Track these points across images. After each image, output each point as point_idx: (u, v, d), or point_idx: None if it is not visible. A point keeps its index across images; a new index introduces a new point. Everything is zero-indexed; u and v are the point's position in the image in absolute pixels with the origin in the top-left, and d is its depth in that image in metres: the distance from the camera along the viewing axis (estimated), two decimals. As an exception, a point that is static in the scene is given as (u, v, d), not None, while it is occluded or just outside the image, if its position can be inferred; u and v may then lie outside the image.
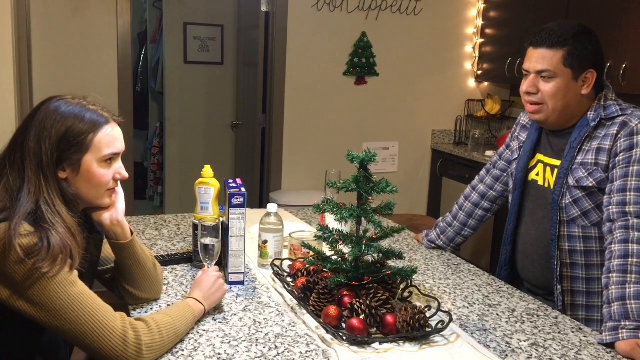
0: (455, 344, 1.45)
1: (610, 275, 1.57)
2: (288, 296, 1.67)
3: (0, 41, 3.10)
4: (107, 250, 1.57)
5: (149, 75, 5.63)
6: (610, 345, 1.48)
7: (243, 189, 1.72)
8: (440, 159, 4.46)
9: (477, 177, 2.19)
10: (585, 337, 1.54)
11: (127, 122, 1.51)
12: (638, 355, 1.42)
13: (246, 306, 1.61)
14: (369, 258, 1.65)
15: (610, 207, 1.67)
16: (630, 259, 1.56)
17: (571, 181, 1.77)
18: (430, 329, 1.46)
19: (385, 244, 1.64)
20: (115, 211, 1.47)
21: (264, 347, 1.39)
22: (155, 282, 1.59)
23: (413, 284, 1.68)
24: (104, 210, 1.46)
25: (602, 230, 1.71)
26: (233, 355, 1.35)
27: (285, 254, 1.94)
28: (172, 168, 5.14)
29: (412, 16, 4.31)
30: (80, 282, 1.29)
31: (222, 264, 1.76)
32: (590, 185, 1.74)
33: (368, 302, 1.47)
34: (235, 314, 1.56)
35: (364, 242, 1.56)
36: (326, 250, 1.68)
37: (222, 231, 1.66)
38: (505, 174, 2.06)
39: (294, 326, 1.51)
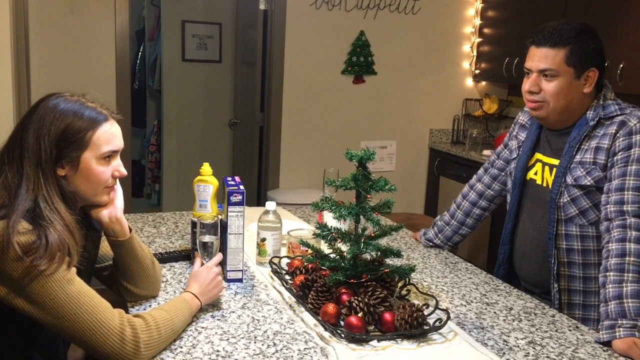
0: (453, 342, 1.45)
1: (608, 273, 1.58)
2: (286, 294, 1.67)
3: (-2, 39, 3.10)
4: (105, 247, 1.57)
5: (146, 73, 5.62)
6: (607, 344, 1.49)
7: (242, 187, 1.72)
8: (437, 158, 4.47)
9: (475, 176, 2.19)
10: (582, 335, 1.54)
11: (125, 119, 1.50)
12: (635, 353, 1.43)
13: (244, 304, 1.61)
14: (367, 256, 1.65)
15: (608, 205, 1.67)
16: (627, 258, 1.57)
17: (569, 180, 1.78)
18: (428, 327, 1.47)
19: (383, 242, 1.64)
20: (114, 208, 1.47)
21: (263, 345, 1.39)
22: (153, 280, 1.59)
23: (411, 282, 1.69)
24: (102, 207, 1.46)
25: (599, 229, 1.71)
26: (232, 352, 1.35)
27: (284, 251, 1.94)
28: (169, 166, 5.13)
29: (410, 15, 4.32)
30: (78, 280, 1.29)
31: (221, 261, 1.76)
32: (588, 184, 1.75)
33: (366, 299, 1.47)
34: (233, 312, 1.56)
35: (363, 240, 1.57)
36: (324, 248, 1.69)
37: (221, 229, 1.66)
38: (504, 173, 2.07)
39: (292, 324, 1.51)
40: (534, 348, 1.45)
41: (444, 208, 2.30)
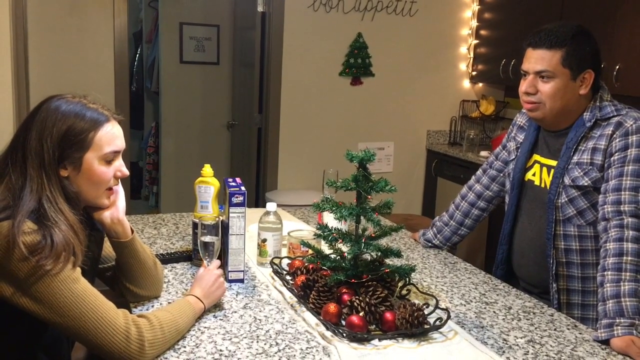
0: (453, 341, 1.47)
1: (605, 273, 1.60)
2: (287, 294, 1.69)
3: (-2, 40, 3.11)
4: (107, 248, 1.58)
5: (144, 74, 5.62)
6: (605, 342, 1.50)
7: (243, 188, 1.74)
8: (435, 159, 4.48)
9: (473, 177, 2.21)
10: (580, 334, 1.56)
11: (124, 120, 1.52)
12: (633, 351, 1.44)
13: (246, 304, 1.62)
14: (368, 256, 1.66)
15: (605, 205, 1.69)
16: (624, 257, 1.59)
17: (567, 180, 1.80)
18: (428, 326, 1.48)
19: (382, 243, 1.66)
20: (116, 210, 1.48)
21: (265, 344, 1.40)
22: (155, 280, 1.60)
23: (411, 281, 1.70)
24: (104, 208, 1.47)
25: (597, 229, 1.73)
26: (234, 352, 1.36)
27: (284, 252, 1.95)
28: (167, 168, 5.13)
29: (407, 17, 4.33)
30: (83, 279, 1.30)
31: (222, 261, 1.77)
32: (586, 184, 1.76)
33: (367, 299, 1.49)
34: (235, 312, 1.57)
35: (363, 240, 1.58)
36: (325, 248, 1.70)
37: (222, 230, 1.67)
38: (502, 174, 2.08)
39: (294, 323, 1.52)
40: (533, 346, 1.47)
41: (442, 209, 2.31)
